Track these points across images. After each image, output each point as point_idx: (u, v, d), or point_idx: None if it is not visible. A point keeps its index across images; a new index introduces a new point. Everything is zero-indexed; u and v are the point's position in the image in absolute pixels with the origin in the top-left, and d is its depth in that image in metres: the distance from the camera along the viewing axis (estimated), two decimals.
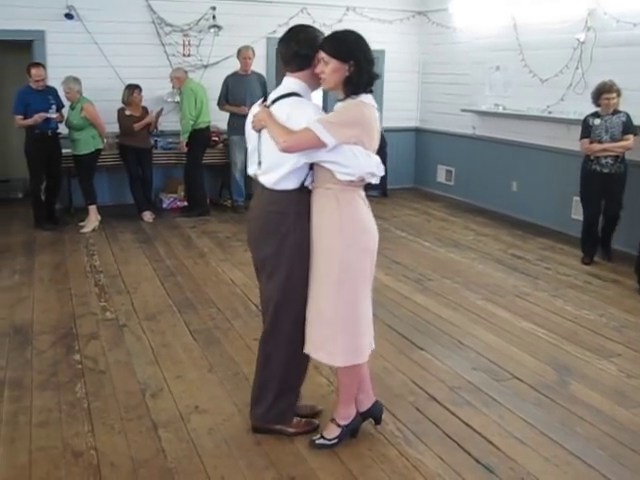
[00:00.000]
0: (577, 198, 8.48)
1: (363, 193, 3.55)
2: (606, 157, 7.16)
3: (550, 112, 8.90)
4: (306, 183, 3.49)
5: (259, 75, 9.63)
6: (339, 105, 3.47)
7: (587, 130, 7.25)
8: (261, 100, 3.68)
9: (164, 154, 9.72)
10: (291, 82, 3.53)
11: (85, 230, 8.54)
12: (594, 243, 7.58)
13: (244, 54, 9.36)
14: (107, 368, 4.72)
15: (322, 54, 3.36)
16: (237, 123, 9.43)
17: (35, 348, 5.05)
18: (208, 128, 9.46)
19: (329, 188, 3.43)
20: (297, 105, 3.44)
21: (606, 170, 7.17)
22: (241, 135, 9.40)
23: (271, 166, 3.50)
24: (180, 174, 9.93)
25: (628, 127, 7.11)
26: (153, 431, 3.90)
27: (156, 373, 4.65)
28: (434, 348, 5.15)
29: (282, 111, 3.41)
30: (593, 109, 7.46)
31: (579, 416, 4.17)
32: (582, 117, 8.15)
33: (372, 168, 3.39)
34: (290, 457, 3.66)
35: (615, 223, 7.46)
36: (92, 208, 8.69)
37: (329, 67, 3.35)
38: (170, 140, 9.73)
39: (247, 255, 7.43)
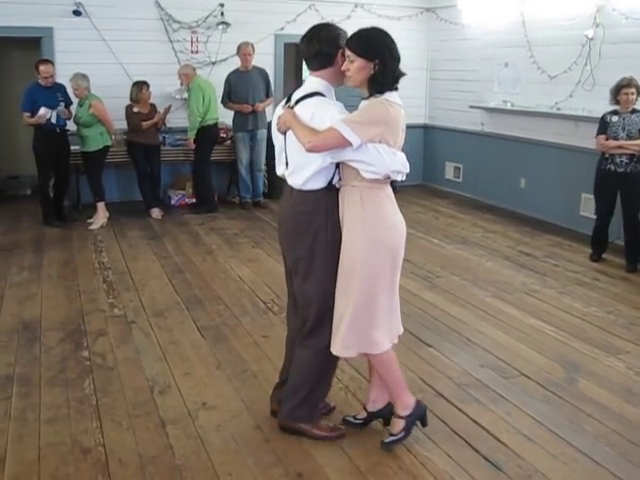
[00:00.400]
0: (586, 195, 8.48)
1: (390, 190, 3.55)
2: (621, 156, 7.00)
3: (559, 109, 8.87)
4: (334, 182, 3.51)
5: (260, 70, 9.60)
6: (363, 103, 3.47)
7: (604, 127, 7.13)
8: (285, 101, 3.65)
9: (172, 151, 9.73)
10: (314, 81, 3.52)
11: (93, 227, 8.56)
12: (604, 241, 7.52)
13: (244, 50, 9.35)
14: (115, 365, 4.74)
15: (348, 52, 3.36)
16: (241, 120, 9.49)
17: (43, 344, 5.07)
18: (216, 125, 9.46)
19: (354, 186, 3.44)
20: (321, 105, 3.43)
21: (621, 169, 7.02)
22: (245, 132, 9.56)
23: (298, 166, 3.51)
24: (188, 171, 9.95)
25: None
26: (161, 428, 3.91)
27: (164, 370, 4.66)
28: (442, 345, 5.15)
29: (306, 111, 3.41)
30: (601, 105, 7.44)
31: (587, 413, 4.16)
32: (591, 114, 8.19)
33: (397, 166, 3.41)
34: (298, 454, 3.67)
35: (636, 229, 7.18)
36: (100, 205, 8.71)
37: (354, 65, 3.36)
38: (178, 137, 9.73)
39: (255, 252, 7.56)
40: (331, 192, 3.52)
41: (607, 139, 7.07)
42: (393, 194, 3.54)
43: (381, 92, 3.38)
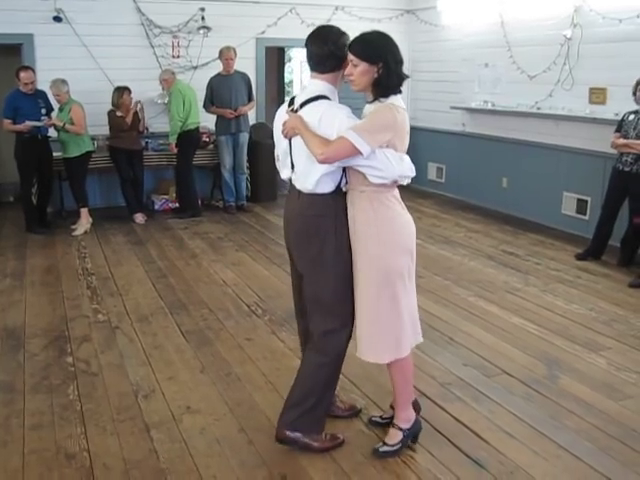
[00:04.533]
0: (567, 193, 8.56)
1: (397, 192, 3.56)
2: (628, 155, 6.92)
3: (539, 108, 8.93)
4: (341, 185, 3.52)
5: (243, 74, 9.63)
6: (368, 108, 3.49)
7: (619, 124, 7.07)
8: (287, 104, 3.63)
9: (155, 155, 9.73)
10: (319, 84, 3.49)
11: (77, 233, 8.54)
12: (599, 244, 7.46)
13: (226, 55, 9.37)
14: (99, 370, 4.74)
15: (351, 56, 3.36)
16: (224, 124, 9.52)
17: (27, 351, 5.06)
18: (197, 129, 9.46)
19: (363, 191, 3.45)
20: (329, 109, 3.41)
21: (627, 168, 6.93)
22: (228, 135, 9.58)
23: (305, 171, 3.49)
24: (171, 175, 9.96)
25: None
26: (145, 432, 3.92)
27: (148, 374, 4.67)
28: (425, 345, 5.10)
29: (313, 115, 3.39)
30: (581, 104, 7.49)
31: (569, 410, 4.20)
32: (570, 113, 8.27)
33: (406, 171, 3.43)
34: (281, 455, 3.69)
35: (637, 230, 7.07)
36: (84, 211, 8.70)
37: (358, 69, 3.36)
38: (161, 142, 9.73)
39: (239, 255, 7.58)
40: (339, 196, 3.53)
41: (620, 137, 6.99)
42: (400, 199, 3.55)
43: (386, 96, 3.38)
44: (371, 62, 3.34)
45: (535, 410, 4.20)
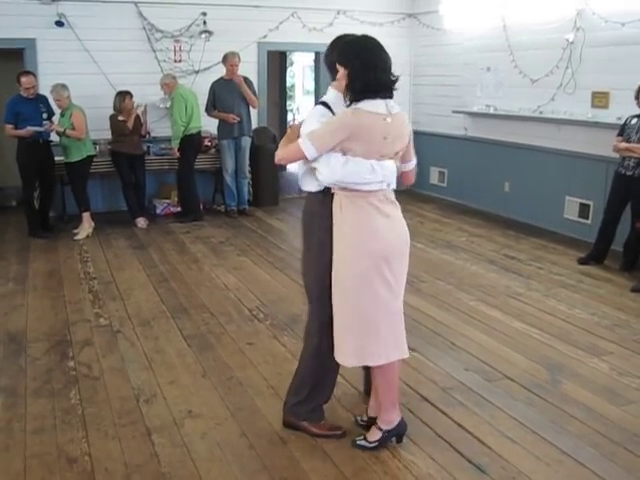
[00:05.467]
0: (569, 197, 8.55)
1: (377, 199, 3.51)
2: (630, 159, 6.90)
3: (541, 112, 8.93)
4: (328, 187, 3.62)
5: (245, 78, 9.59)
6: None
7: (622, 128, 7.06)
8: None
9: (157, 160, 9.74)
10: (329, 91, 3.68)
11: (79, 237, 8.55)
12: (601, 248, 7.43)
13: (231, 61, 9.37)
14: (101, 374, 4.74)
15: None
16: (226, 128, 9.52)
17: (29, 355, 5.06)
18: (199, 133, 9.47)
19: (336, 193, 3.54)
20: (309, 114, 3.65)
21: (629, 173, 6.91)
22: (230, 139, 9.58)
23: (298, 170, 3.75)
24: (173, 180, 9.95)
25: None
26: (147, 436, 3.92)
27: (150, 379, 4.67)
28: (427, 349, 5.17)
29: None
30: (583, 108, 7.48)
31: (571, 415, 4.19)
32: (572, 117, 8.29)
33: (347, 177, 3.41)
34: (283, 460, 3.68)
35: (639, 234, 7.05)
36: (86, 215, 8.71)
37: (339, 74, 3.48)
38: (163, 146, 9.74)
39: (240, 260, 7.58)
40: (326, 196, 3.61)
41: (622, 141, 6.97)
42: (379, 205, 3.51)
43: (355, 100, 3.41)
44: (343, 66, 3.44)
45: (537, 415, 4.19)
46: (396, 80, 3.49)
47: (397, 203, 3.63)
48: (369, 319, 3.57)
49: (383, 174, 3.44)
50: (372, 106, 3.40)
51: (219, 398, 4.39)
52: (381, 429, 3.78)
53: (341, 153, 3.41)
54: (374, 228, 3.51)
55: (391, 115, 3.43)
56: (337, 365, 3.81)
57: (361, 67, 3.38)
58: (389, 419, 3.79)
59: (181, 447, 3.81)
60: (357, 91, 3.41)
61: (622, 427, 4.05)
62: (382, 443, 3.79)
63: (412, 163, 3.77)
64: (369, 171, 3.41)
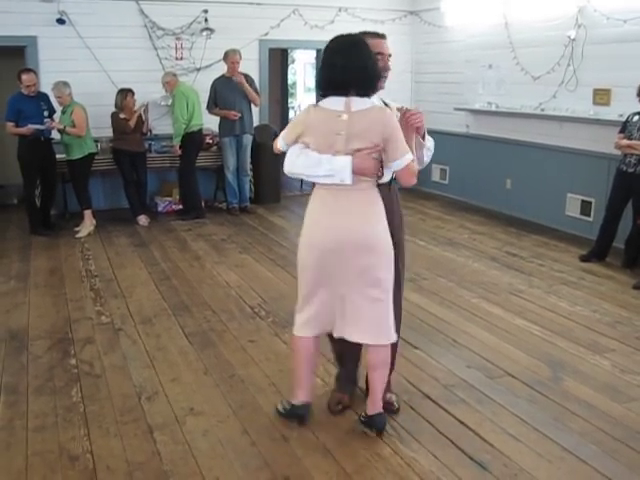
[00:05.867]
0: (571, 195, 8.54)
1: (329, 193, 3.60)
2: (631, 156, 6.90)
3: (543, 109, 8.92)
4: None
5: (246, 75, 9.60)
6: None
7: (623, 125, 7.05)
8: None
9: (158, 157, 9.74)
10: None
11: (80, 235, 8.55)
12: (603, 245, 7.43)
13: (232, 58, 9.36)
14: (103, 372, 4.74)
15: None
16: (228, 125, 9.51)
17: (31, 353, 5.06)
18: (201, 131, 9.47)
19: None
20: None
21: (631, 170, 6.91)
22: (232, 137, 9.58)
23: None
24: (175, 177, 9.94)
25: None
26: (148, 434, 3.92)
27: (151, 376, 4.67)
28: (428, 347, 5.17)
29: None
30: (585, 105, 7.45)
31: (572, 412, 4.19)
32: (574, 114, 8.27)
33: (294, 168, 3.63)
34: (285, 457, 3.68)
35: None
36: (87, 213, 8.71)
37: None
38: (164, 144, 9.74)
39: (242, 257, 7.58)
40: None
41: (624, 138, 6.96)
42: (331, 199, 3.62)
43: (322, 97, 3.62)
44: None
45: (539, 412, 4.19)
46: (362, 78, 3.51)
47: (374, 201, 3.63)
48: (299, 295, 3.84)
49: (330, 168, 3.48)
50: (330, 103, 3.54)
51: (221, 395, 4.39)
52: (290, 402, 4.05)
53: (304, 146, 3.58)
54: (316, 220, 3.68)
55: (350, 112, 3.48)
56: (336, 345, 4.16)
57: (322, 66, 3.61)
58: (294, 393, 4.02)
59: (183, 445, 3.80)
60: (319, 89, 3.68)
61: (624, 424, 4.04)
62: (283, 416, 4.04)
63: (400, 162, 3.54)
64: (315, 164, 3.52)
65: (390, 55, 3.85)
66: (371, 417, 3.88)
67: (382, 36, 3.84)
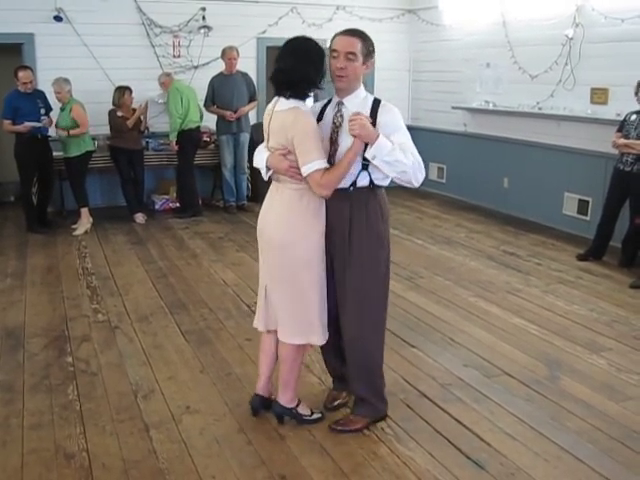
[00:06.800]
0: (568, 194, 8.54)
1: (272, 184, 3.94)
2: (628, 155, 6.89)
3: (540, 108, 8.92)
4: None
5: (244, 74, 9.61)
6: None
7: (621, 124, 7.05)
8: None
9: (155, 155, 9.72)
10: None
11: (77, 232, 8.54)
12: (600, 244, 7.42)
13: (229, 55, 9.35)
14: (99, 370, 4.73)
15: None
16: (225, 123, 9.50)
17: (27, 351, 5.05)
18: (198, 128, 9.45)
19: None
20: None
21: (627, 169, 6.90)
22: (229, 135, 9.56)
23: None
24: (172, 175, 9.95)
25: None
26: (145, 432, 3.91)
27: (148, 374, 4.66)
28: (425, 345, 5.17)
29: None
30: (582, 104, 7.44)
31: (569, 411, 4.19)
32: (572, 113, 8.26)
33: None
34: (281, 455, 3.67)
35: (637, 230, 7.02)
36: (84, 210, 8.69)
37: None
38: (161, 141, 9.72)
39: (239, 255, 7.57)
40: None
41: (621, 137, 6.96)
42: (270, 193, 3.99)
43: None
44: None
45: (536, 411, 4.19)
46: (289, 80, 3.54)
47: (302, 202, 3.70)
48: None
49: (259, 161, 3.78)
50: (272, 102, 3.72)
51: (217, 394, 4.38)
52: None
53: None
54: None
55: (272, 112, 3.65)
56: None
57: None
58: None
59: (179, 443, 3.80)
60: None
61: (621, 423, 4.04)
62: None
63: (304, 170, 3.51)
64: (255, 156, 3.88)
65: (371, 53, 3.61)
66: (275, 401, 4.05)
67: (354, 33, 3.59)
